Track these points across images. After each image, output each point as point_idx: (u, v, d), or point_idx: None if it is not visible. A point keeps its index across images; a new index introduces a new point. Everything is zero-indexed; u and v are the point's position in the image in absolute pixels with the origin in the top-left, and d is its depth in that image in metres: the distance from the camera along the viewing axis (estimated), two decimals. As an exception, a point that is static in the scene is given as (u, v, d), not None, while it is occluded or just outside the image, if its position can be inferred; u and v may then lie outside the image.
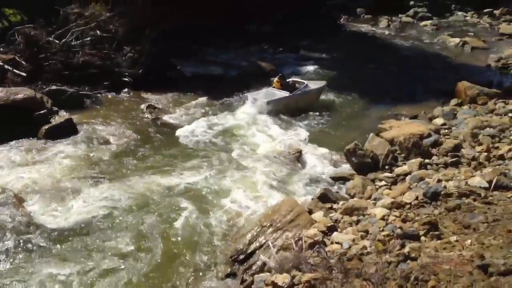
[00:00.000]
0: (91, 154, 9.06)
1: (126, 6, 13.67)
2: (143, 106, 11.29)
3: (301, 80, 12.16)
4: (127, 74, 12.59)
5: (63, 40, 12.38)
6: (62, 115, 10.36)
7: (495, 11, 21.19)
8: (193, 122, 10.73)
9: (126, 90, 12.23)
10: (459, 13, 21.80)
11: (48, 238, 6.53)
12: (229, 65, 15.06)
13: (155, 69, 12.95)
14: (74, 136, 9.71)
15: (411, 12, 21.49)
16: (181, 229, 6.90)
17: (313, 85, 11.94)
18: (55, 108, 10.58)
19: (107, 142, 9.65)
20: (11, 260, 6.09)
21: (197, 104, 11.77)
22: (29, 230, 6.65)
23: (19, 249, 6.29)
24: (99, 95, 11.72)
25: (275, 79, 11.83)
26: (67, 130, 9.76)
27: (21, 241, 6.42)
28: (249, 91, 11.96)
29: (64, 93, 11.10)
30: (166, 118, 11.01)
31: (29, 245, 6.37)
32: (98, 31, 13.00)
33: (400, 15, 21.29)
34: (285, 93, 11.27)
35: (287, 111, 11.02)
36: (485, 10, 21.38)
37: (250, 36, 17.72)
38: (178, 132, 10.15)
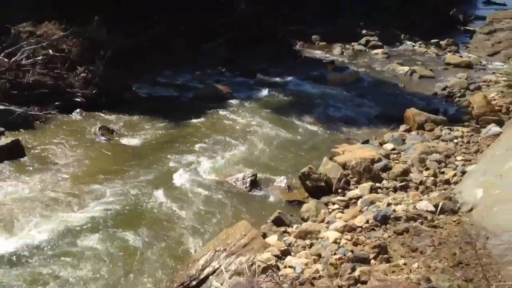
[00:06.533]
0: (38, 178, 8.73)
1: (80, 25, 13.40)
2: (95, 128, 11.01)
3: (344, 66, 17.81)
4: (79, 94, 12.31)
5: (13, 59, 11.99)
6: (9, 136, 9.97)
7: (441, 42, 22.34)
8: (146, 144, 10.63)
9: (78, 111, 11.91)
10: (408, 42, 22.79)
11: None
12: (186, 87, 15.04)
13: (110, 90, 12.73)
14: (21, 158, 9.36)
15: (363, 40, 22.29)
16: (128, 255, 6.77)
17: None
18: (1, 129, 10.19)
19: (55, 164, 9.34)
20: None
21: (152, 126, 11.64)
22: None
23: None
24: (49, 115, 11.36)
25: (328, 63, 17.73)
26: (13, 152, 9.37)
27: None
28: (205, 114, 12.16)
29: (12, 113, 10.70)
30: (119, 139, 10.80)
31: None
32: (50, 50, 12.69)
33: (353, 43, 22.04)
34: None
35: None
36: (432, 41, 22.51)
37: (206, 58, 17.81)
38: (128, 155, 9.99)
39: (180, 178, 9.08)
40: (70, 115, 11.75)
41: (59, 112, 11.64)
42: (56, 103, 11.70)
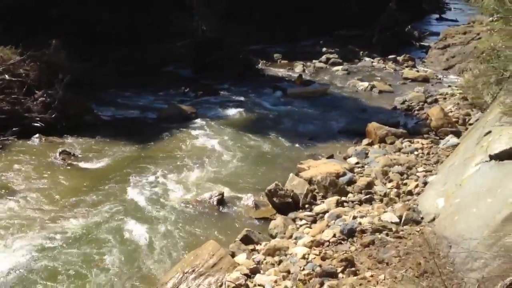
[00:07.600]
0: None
1: (38, 49, 13.11)
2: (56, 152, 10.72)
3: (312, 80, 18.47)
4: (38, 119, 11.96)
5: (-33, 85, 11.60)
6: (-36, 164, 9.60)
7: (398, 58, 23.12)
8: (109, 167, 10.42)
9: (37, 136, 11.56)
10: (367, 59, 23.45)
11: None
12: (149, 108, 14.90)
13: (70, 114, 12.44)
14: (-23, 187, 9.02)
15: (323, 58, 22.80)
16: (94, 280, 6.57)
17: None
18: (-45, 157, 9.80)
19: (14, 191, 9.01)
20: None
21: (115, 149, 11.42)
22: None
23: None
24: (7, 142, 10.99)
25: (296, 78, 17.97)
26: (-32, 181, 9.02)
27: None
28: (169, 134, 12.06)
29: (-33, 140, 10.32)
30: (81, 164, 10.53)
31: None
32: (6, 75, 12.33)
33: (314, 61, 22.49)
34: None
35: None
36: (390, 57, 23.26)
37: (169, 79, 17.77)
38: (90, 179, 9.76)
39: (145, 200, 8.92)
40: (29, 141, 11.41)
41: (18, 137, 11.29)
42: (14, 128, 11.35)
